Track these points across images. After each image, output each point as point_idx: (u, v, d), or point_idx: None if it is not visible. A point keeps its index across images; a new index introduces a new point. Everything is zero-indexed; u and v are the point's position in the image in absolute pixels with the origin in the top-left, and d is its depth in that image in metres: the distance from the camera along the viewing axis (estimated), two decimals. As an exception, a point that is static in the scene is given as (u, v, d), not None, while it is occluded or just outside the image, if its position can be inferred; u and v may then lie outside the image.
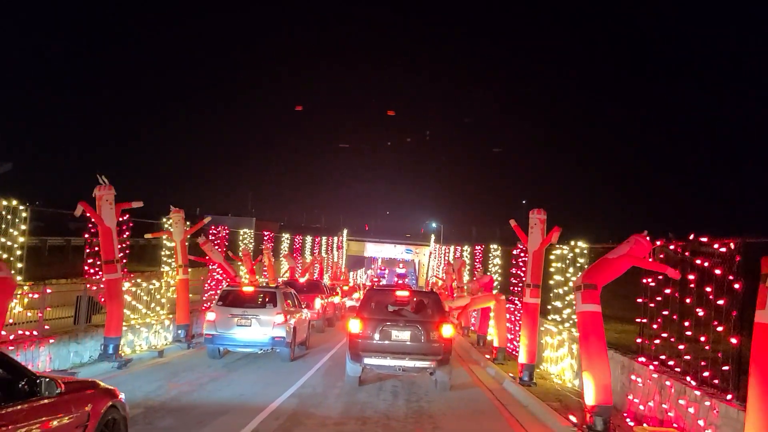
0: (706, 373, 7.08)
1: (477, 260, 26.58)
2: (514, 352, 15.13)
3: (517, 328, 15.09)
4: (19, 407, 4.61)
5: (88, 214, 13.38)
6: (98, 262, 15.93)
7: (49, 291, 11.44)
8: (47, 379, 4.93)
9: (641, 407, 8.49)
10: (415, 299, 11.87)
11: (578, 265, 12.15)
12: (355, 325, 11.02)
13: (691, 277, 7.42)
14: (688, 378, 7.44)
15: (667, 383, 7.77)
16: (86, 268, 16.61)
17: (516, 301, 16.04)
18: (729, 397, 6.54)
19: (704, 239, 7.21)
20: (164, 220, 20.00)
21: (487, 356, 14.90)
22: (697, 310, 7.18)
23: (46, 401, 4.86)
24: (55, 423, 4.91)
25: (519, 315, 15.16)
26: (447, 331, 10.96)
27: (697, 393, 7.03)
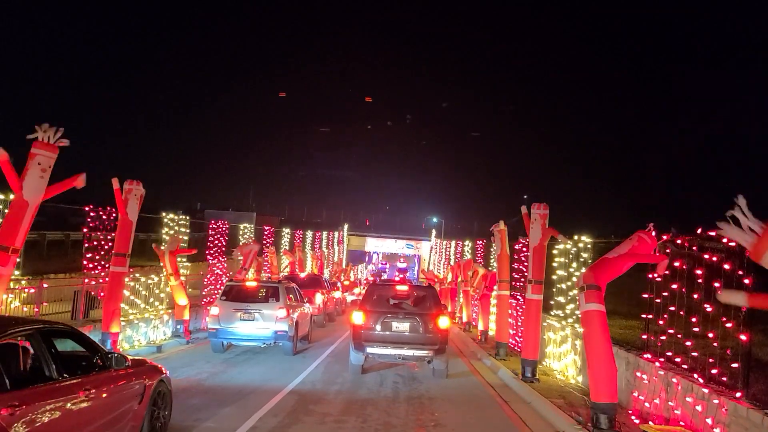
0: (714, 371, 6.93)
1: (479, 255, 26.48)
2: (516, 348, 15.01)
3: (520, 324, 14.96)
4: (96, 375, 5.55)
5: (91, 213, 13.39)
6: (97, 257, 15.86)
7: (45, 286, 11.31)
8: (116, 355, 5.89)
9: (647, 404, 8.35)
10: (414, 293, 12.61)
11: (582, 260, 12.00)
12: (358, 317, 11.72)
13: (698, 272, 7.27)
14: (695, 375, 7.29)
15: (674, 380, 7.62)
16: (85, 262, 16.54)
17: (518, 297, 15.91)
18: (738, 395, 6.39)
19: (713, 233, 7.03)
20: (163, 214, 19.92)
21: (490, 353, 14.75)
22: (705, 305, 7.04)
23: (114, 373, 5.78)
24: (121, 391, 5.86)
25: (521, 310, 15.03)
26: (443, 322, 11.69)
27: (705, 391, 6.88)
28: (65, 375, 5.07)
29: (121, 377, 5.87)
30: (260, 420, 7.95)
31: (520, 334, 14.80)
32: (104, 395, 5.49)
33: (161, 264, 16.53)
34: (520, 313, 15.21)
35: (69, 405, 4.91)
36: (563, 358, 12.38)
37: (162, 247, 16.02)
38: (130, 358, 6.24)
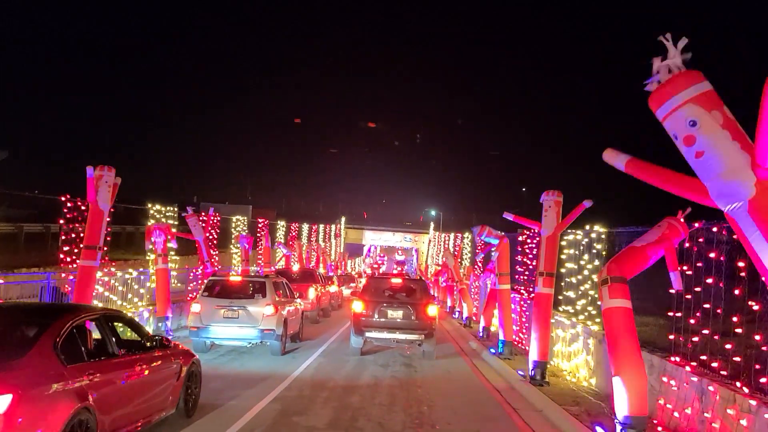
0: (763, 379, 5.93)
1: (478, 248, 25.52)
2: (520, 345, 14.06)
3: (524, 320, 14.00)
4: (146, 354, 6.59)
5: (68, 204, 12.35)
6: (75, 250, 14.84)
7: (0, 282, 10.25)
8: (159, 338, 6.99)
9: (675, 414, 7.35)
10: (407, 285, 14.29)
11: (594, 251, 11.01)
12: (358, 306, 13.29)
13: (741, 264, 6.27)
14: (737, 383, 6.30)
15: (710, 388, 6.62)
16: (61, 256, 15.53)
17: (522, 291, 14.96)
18: (796, 409, 5.40)
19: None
20: (149, 205, 18.93)
21: (492, 350, 13.76)
22: (751, 303, 6.05)
23: (158, 353, 6.82)
24: (164, 368, 6.87)
25: (525, 306, 14.08)
26: (432, 311, 13.28)
27: (752, 402, 5.88)
28: (122, 352, 6.22)
29: (164, 357, 6.89)
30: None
31: (524, 331, 13.86)
32: (152, 371, 6.55)
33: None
34: (524, 309, 14.26)
35: (128, 376, 6.04)
36: (573, 358, 11.40)
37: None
38: (172, 342, 7.39)
